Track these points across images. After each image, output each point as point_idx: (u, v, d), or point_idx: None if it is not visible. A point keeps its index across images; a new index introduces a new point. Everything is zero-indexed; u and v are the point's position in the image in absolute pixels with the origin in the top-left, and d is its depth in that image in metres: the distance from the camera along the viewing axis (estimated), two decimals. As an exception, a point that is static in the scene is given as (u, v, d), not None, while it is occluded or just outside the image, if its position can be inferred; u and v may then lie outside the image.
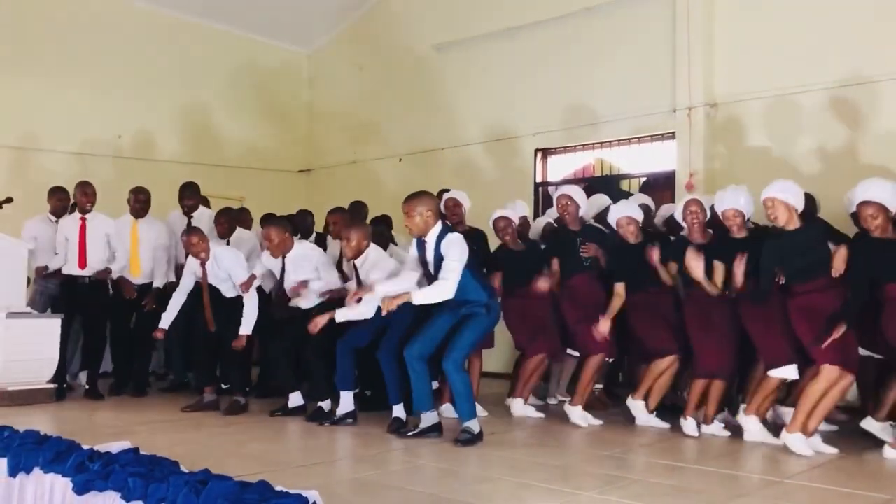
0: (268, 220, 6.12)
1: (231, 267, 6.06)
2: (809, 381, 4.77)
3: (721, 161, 7.44)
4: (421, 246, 5.11)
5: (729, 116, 7.44)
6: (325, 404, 5.78)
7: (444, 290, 4.90)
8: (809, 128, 6.94)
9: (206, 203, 7.78)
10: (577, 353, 6.09)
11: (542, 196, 8.87)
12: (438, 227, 5.04)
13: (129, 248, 6.94)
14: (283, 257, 5.90)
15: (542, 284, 5.80)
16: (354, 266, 5.67)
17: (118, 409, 6.22)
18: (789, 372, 4.95)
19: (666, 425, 5.49)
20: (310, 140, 11.37)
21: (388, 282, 5.17)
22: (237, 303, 6.06)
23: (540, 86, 8.77)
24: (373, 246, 5.66)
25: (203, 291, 6.14)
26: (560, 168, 8.91)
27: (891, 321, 4.64)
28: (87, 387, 6.76)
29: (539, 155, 8.91)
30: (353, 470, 4.39)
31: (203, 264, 6.07)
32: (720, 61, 7.52)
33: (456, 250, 4.93)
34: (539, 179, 8.91)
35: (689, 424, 5.30)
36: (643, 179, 8.21)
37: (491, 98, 9.22)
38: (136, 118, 9.59)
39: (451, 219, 6.12)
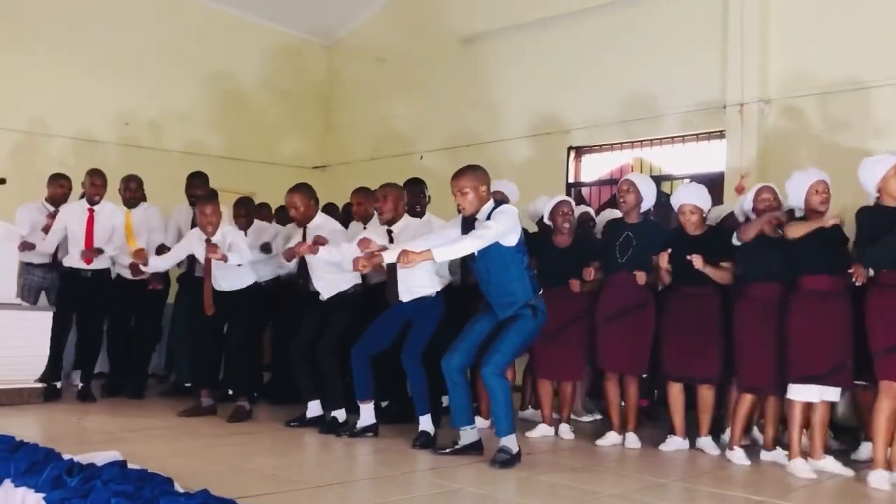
0: (295, 187, 5.59)
1: (237, 242, 5.68)
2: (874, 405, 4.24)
3: (775, 162, 6.81)
4: (469, 226, 4.44)
5: (784, 114, 6.83)
6: (340, 414, 5.25)
7: (466, 245, 4.25)
8: (873, 126, 6.31)
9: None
10: None
11: (574, 197, 8.27)
12: (491, 202, 4.44)
13: (123, 239, 6.46)
14: (304, 228, 5.46)
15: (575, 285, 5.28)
16: (389, 233, 5.11)
17: (111, 413, 5.67)
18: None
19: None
20: (327, 135, 10.78)
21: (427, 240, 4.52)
22: (239, 296, 5.76)
23: (574, 80, 8.14)
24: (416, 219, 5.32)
25: (206, 274, 5.72)
26: (595, 168, 8.32)
27: None
28: (80, 385, 6.23)
29: (572, 154, 8.33)
30: (378, 493, 3.77)
31: (208, 241, 5.63)
32: (775, 54, 6.90)
33: (504, 217, 4.30)
34: (571, 179, 8.32)
35: (736, 455, 4.70)
36: (687, 181, 7.59)
37: (520, 93, 8.61)
38: (145, 106, 9.03)
39: None
